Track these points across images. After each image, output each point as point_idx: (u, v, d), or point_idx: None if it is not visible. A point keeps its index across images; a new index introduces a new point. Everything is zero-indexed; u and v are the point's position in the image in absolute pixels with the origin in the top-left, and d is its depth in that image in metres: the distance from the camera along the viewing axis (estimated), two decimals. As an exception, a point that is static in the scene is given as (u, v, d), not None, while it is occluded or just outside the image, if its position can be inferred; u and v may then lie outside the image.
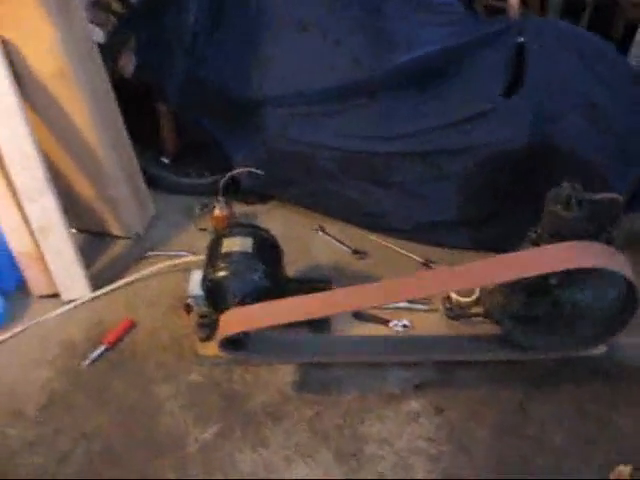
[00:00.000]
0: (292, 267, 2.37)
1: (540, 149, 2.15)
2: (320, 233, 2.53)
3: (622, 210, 1.83)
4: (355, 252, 2.44)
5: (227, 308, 1.95)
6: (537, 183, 2.17)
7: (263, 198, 2.65)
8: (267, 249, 2.08)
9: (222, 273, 1.98)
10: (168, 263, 2.39)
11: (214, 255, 2.03)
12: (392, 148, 2.28)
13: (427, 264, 2.37)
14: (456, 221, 2.36)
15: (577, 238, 1.81)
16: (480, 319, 2.08)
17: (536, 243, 1.88)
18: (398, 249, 2.46)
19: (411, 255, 2.43)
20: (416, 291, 1.84)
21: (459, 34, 2.20)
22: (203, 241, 2.27)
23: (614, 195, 1.80)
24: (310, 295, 1.89)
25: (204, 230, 2.53)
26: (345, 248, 2.46)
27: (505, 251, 2.22)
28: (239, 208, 2.62)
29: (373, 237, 2.52)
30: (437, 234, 2.41)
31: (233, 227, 2.12)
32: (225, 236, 2.07)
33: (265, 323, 1.87)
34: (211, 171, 2.65)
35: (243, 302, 1.96)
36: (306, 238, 2.54)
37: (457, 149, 2.22)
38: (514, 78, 2.19)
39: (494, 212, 2.30)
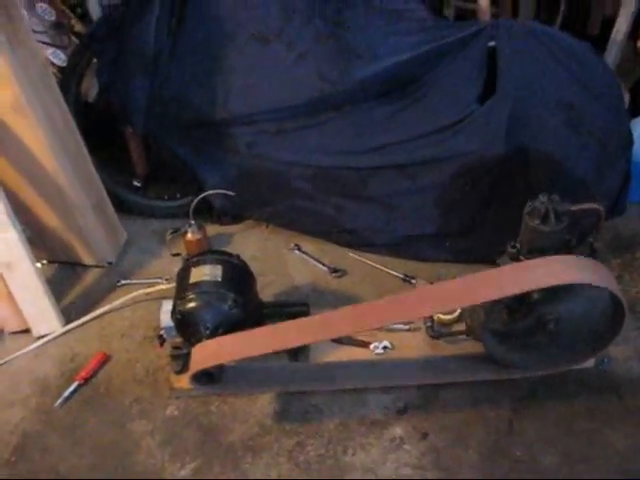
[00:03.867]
0: (269, 289, 2.31)
1: (518, 156, 2.08)
2: (297, 252, 2.46)
3: (603, 219, 1.76)
4: (333, 271, 2.36)
5: (199, 340, 1.88)
6: (517, 191, 2.11)
7: (237, 218, 2.57)
8: (238, 276, 2.00)
9: (191, 304, 1.90)
10: (141, 292, 2.31)
11: (182, 285, 1.95)
12: (365, 162, 2.21)
13: (408, 279, 2.29)
14: (435, 234, 2.28)
15: (557, 251, 1.74)
16: (463, 337, 2.00)
17: (516, 258, 1.80)
18: (377, 265, 2.38)
19: (391, 271, 2.35)
20: (396, 315, 1.76)
21: (428, 41, 2.11)
22: (176, 267, 2.18)
23: (593, 205, 1.73)
24: (285, 324, 1.81)
25: (178, 255, 2.45)
26: (323, 267, 2.39)
27: (488, 262, 2.19)
28: (213, 230, 2.55)
29: (351, 254, 2.44)
30: (416, 248, 2.34)
31: (201, 255, 2.04)
32: (193, 265, 1.99)
33: (238, 355, 1.80)
34: (183, 193, 2.58)
35: (215, 333, 1.88)
36: (283, 258, 2.46)
37: (432, 160, 2.15)
38: (488, 84, 2.10)
39: (474, 223, 2.23)
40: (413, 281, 2.28)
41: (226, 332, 1.88)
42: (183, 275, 1.99)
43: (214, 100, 2.24)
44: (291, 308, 2.12)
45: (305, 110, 2.19)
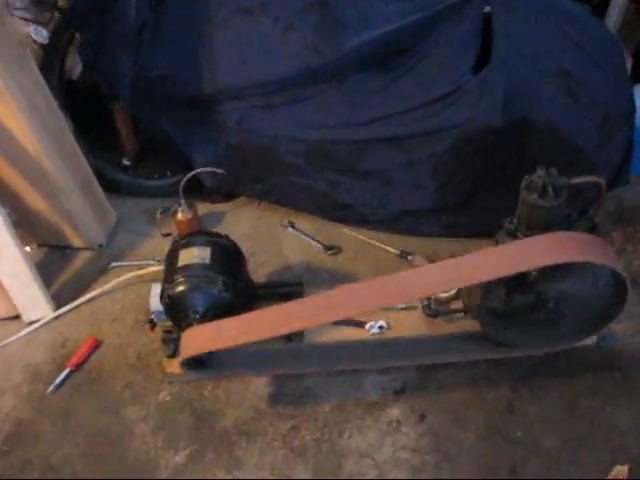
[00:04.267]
0: (262, 268, 2.26)
1: (515, 127, 1.99)
2: (290, 229, 2.39)
3: (604, 192, 1.69)
4: (328, 248, 2.30)
5: (189, 325, 1.83)
6: (514, 163, 2.04)
7: (229, 196, 2.51)
8: (227, 258, 1.95)
9: (180, 288, 1.85)
10: (132, 274, 2.26)
11: (171, 269, 1.90)
12: (358, 135, 2.13)
13: (404, 256, 2.23)
14: (431, 208, 2.21)
15: (557, 227, 1.67)
16: (461, 315, 1.95)
17: (513, 234, 1.73)
18: (373, 242, 2.32)
19: (387, 247, 2.29)
20: (395, 297, 1.70)
21: (419, 8, 2.01)
22: (168, 247, 2.14)
23: (594, 178, 1.65)
24: (278, 307, 1.75)
25: (169, 235, 2.39)
26: (317, 244, 2.33)
27: (485, 235, 2.12)
28: (204, 208, 2.49)
29: (346, 230, 2.38)
30: (412, 223, 2.27)
31: (190, 237, 1.98)
32: (181, 247, 1.93)
33: (229, 342, 1.75)
34: (173, 171, 2.51)
35: (205, 317, 1.83)
36: (276, 236, 2.40)
37: (428, 132, 2.07)
38: (483, 52, 2.02)
39: (470, 197, 2.15)
40: (410, 257, 2.22)
41: (217, 316, 1.83)
42: (171, 258, 1.93)
43: (201, 75, 2.16)
44: (284, 288, 2.07)
45: (295, 83, 2.11)
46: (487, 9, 2.03)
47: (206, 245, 1.92)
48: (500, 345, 1.87)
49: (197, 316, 1.83)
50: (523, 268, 1.58)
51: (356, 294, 1.70)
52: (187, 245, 1.93)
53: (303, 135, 2.17)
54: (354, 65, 2.07)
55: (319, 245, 2.32)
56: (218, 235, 2.00)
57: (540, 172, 1.65)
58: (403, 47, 2.06)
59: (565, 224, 1.70)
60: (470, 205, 2.18)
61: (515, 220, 1.72)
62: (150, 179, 2.58)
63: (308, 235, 2.36)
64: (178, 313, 1.88)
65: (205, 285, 1.86)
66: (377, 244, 2.30)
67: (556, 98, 2.00)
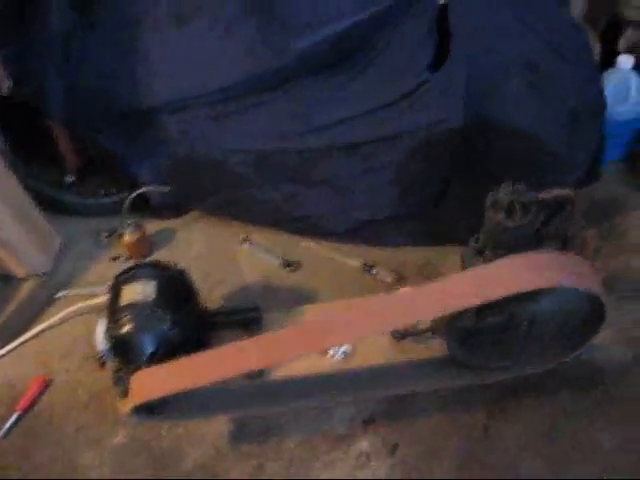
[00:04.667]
0: (219, 289, 2.12)
1: (480, 127, 1.85)
2: (247, 245, 2.24)
3: (576, 204, 1.56)
4: (287, 264, 2.16)
5: (138, 367, 1.69)
6: (482, 165, 1.90)
7: (179, 211, 2.35)
8: (175, 291, 1.80)
9: (125, 329, 1.71)
10: (81, 304, 2.11)
11: (114, 307, 1.75)
12: (311, 143, 1.97)
13: (367, 269, 2.10)
14: (395, 217, 2.07)
15: (526, 245, 1.54)
16: (430, 335, 1.83)
17: (481, 251, 1.61)
18: (334, 254, 2.18)
19: (349, 260, 2.15)
20: (358, 331, 1.56)
21: (370, 4, 1.85)
22: (118, 271, 2.00)
23: (564, 191, 1.52)
24: (236, 345, 1.61)
25: (117, 259, 2.24)
26: (276, 260, 2.19)
27: (454, 243, 2.00)
28: (154, 225, 2.33)
29: (305, 243, 2.23)
30: (375, 233, 2.13)
31: (133, 270, 1.83)
32: (124, 282, 1.78)
33: (182, 387, 1.60)
34: (120, 187, 2.34)
35: (154, 358, 1.70)
36: (232, 252, 2.25)
37: (386, 137, 1.92)
38: (441, 48, 1.86)
39: (436, 203, 2.02)
40: (374, 270, 2.09)
41: (167, 356, 1.67)
42: (114, 295, 1.78)
43: (137, 88, 1.99)
44: (241, 315, 1.94)
45: (240, 91, 1.95)
46: (443, 1, 1.88)
47: (151, 279, 1.78)
48: (474, 369, 1.75)
49: (145, 358, 1.70)
50: (487, 299, 1.45)
51: (321, 326, 1.57)
52: (130, 280, 1.79)
53: (252, 145, 2.01)
54: (302, 69, 1.91)
55: (277, 260, 2.18)
56: (164, 265, 1.85)
57: (505, 189, 1.51)
58: (354, 47, 1.89)
59: (534, 241, 1.57)
60: (437, 212, 2.04)
61: (481, 239, 1.59)
62: (96, 197, 2.40)
63: (266, 250, 2.21)
64: (125, 354, 1.73)
65: (151, 324, 1.72)
66: (339, 257, 2.16)
67: (522, 95, 1.86)
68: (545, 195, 1.52)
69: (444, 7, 1.87)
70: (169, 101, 2.00)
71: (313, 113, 1.96)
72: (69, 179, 2.43)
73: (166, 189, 2.12)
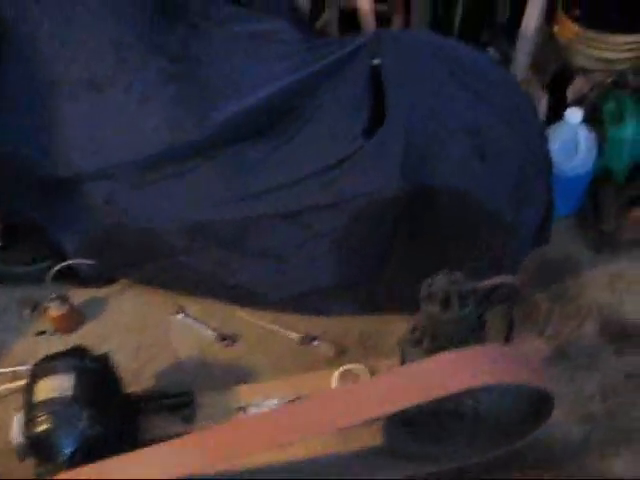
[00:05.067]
0: (151, 365, 1.97)
1: (419, 194, 1.73)
2: (181, 316, 2.09)
3: (519, 290, 1.46)
4: (222, 338, 2.02)
5: (58, 468, 1.55)
6: (427, 231, 1.79)
7: (109, 279, 2.19)
8: (96, 382, 1.65)
9: (40, 428, 1.55)
10: (2, 387, 1.96)
11: (29, 403, 1.60)
12: (244, 212, 1.83)
13: (307, 342, 1.97)
14: (335, 286, 1.94)
15: (466, 335, 1.44)
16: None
17: (419, 341, 1.50)
18: (273, 326, 2.03)
19: (288, 332, 2.00)
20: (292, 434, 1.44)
21: (300, 66, 1.72)
22: (44, 347, 1.91)
23: (505, 278, 1.42)
24: (170, 445, 1.48)
25: (43, 333, 2.07)
26: (210, 333, 2.04)
27: (398, 311, 1.91)
28: (84, 294, 2.15)
29: (242, 314, 2.07)
30: (318, 302, 1.99)
31: (50, 361, 1.68)
32: (40, 376, 1.63)
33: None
34: (47, 255, 2.16)
35: (74, 458, 1.55)
36: (165, 325, 2.08)
37: (321, 205, 1.79)
38: (376, 111, 1.75)
39: (380, 271, 1.89)
40: (315, 342, 1.96)
41: (89, 455, 1.54)
42: (29, 390, 1.63)
43: (54, 156, 1.83)
44: (172, 400, 1.80)
45: (160, 161, 1.81)
46: (376, 61, 1.76)
47: (69, 371, 1.63)
48: (414, 459, 1.64)
49: (64, 458, 1.56)
50: (420, 400, 1.33)
51: (251, 431, 1.45)
52: (47, 373, 1.63)
53: (179, 214, 1.86)
54: (227, 137, 1.78)
55: (213, 333, 2.03)
56: (85, 353, 1.71)
57: (441, 279, 1.40)
58: (285, 110, 1.77)
59: (477, 328, 1.47)
60: (381, 279, 1.91)
61: (419, 329, 1.48)
62: (21, 264, 2.23)
63: (200, 322, 2.06)
64: (44, 455, 1.60)
65: (69, 423, 1.56)
66: (277, 329, 2.02)
67: (463, 159, 1.74)
68: (485, 284, 1.41)
69: (378, 69, 1.76)
70: (89, 171, 1.84)
71: (244, 181, 1.81)
72: (-7, 245, 2.26)
73: (89, 262, 1.97)
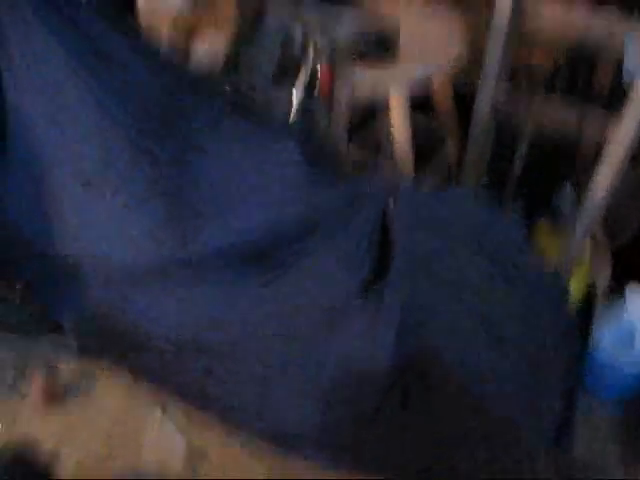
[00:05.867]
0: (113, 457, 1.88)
1: (413, 371, 1.50)
2: (159, 414, 1.95)
3: None
4: (191, 451, 1.86)
5: None
6: (413, 410, 1.56)
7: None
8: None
9: None
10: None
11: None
12: (233, 334, 1.69)
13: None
14: (314, 438, 1.74)
15: None
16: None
17: None
18: (242, 454, 1.84)
19: (255, 465, 1.82)
20: None
21: (299, 202, 1.51)
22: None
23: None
24: None
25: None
26: (182, 444, 1.88)
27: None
28: (72, 370, 2.06)
29: (218, 430, 1.88)
30: (294, 444, 1.79)
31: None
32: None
33: None
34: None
35: None
36: (141, 426, 1.94)
37: (310, 362, 1.62)
38: (376, 268, 1.50)
39: (358, 439, 1.67)
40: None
41: None
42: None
43: (47, 237, 1.76)
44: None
45: (152, 267, 1.68)
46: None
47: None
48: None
49: None
50: None
51: None
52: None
53: (171, 323, 1.75)
54: (218, 261, 1.60)
55: (182, 444, 1.88)
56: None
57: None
58: (276, 247, 1.56)
59: None
60: (360, 448, 1.71)
61: None
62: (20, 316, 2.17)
63: (176, 428, 1.92)
64: None
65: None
66: (247, 458, 1.82)
67: (471, 339, 1.48)
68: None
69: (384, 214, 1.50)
70: (80, 253, 1.76)
71: (240, 304, 1.66)
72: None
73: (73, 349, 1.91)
